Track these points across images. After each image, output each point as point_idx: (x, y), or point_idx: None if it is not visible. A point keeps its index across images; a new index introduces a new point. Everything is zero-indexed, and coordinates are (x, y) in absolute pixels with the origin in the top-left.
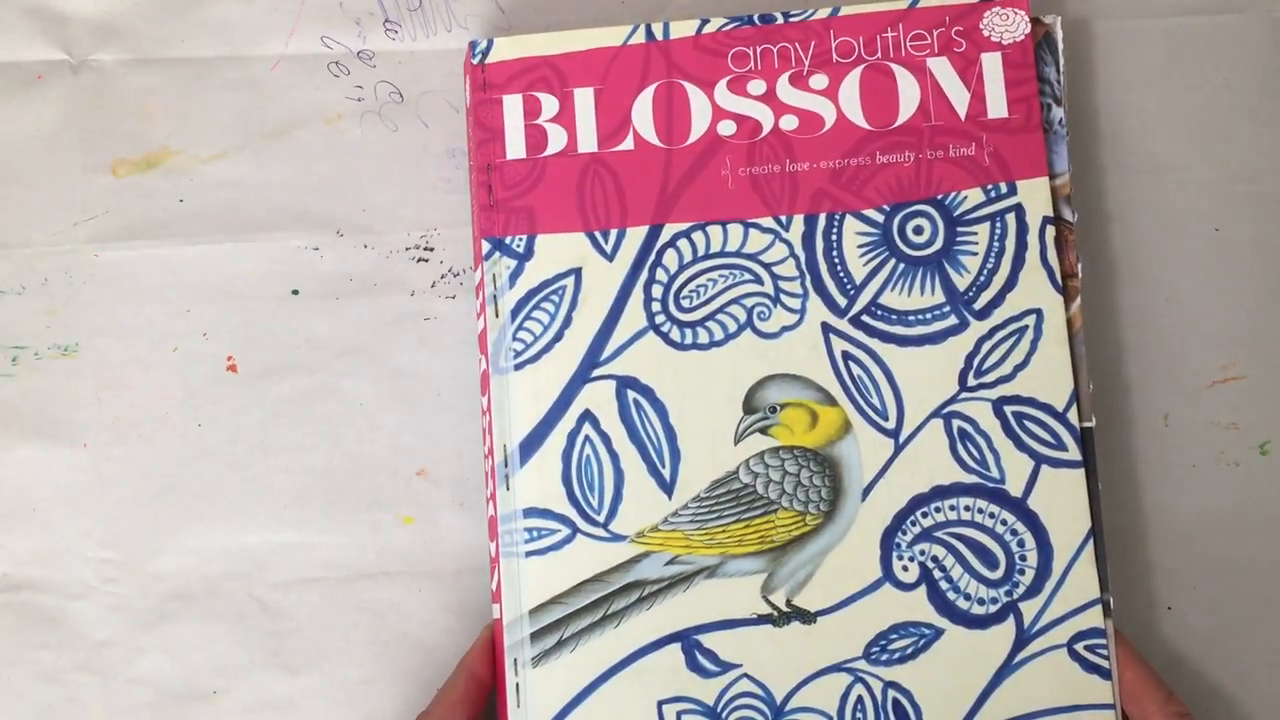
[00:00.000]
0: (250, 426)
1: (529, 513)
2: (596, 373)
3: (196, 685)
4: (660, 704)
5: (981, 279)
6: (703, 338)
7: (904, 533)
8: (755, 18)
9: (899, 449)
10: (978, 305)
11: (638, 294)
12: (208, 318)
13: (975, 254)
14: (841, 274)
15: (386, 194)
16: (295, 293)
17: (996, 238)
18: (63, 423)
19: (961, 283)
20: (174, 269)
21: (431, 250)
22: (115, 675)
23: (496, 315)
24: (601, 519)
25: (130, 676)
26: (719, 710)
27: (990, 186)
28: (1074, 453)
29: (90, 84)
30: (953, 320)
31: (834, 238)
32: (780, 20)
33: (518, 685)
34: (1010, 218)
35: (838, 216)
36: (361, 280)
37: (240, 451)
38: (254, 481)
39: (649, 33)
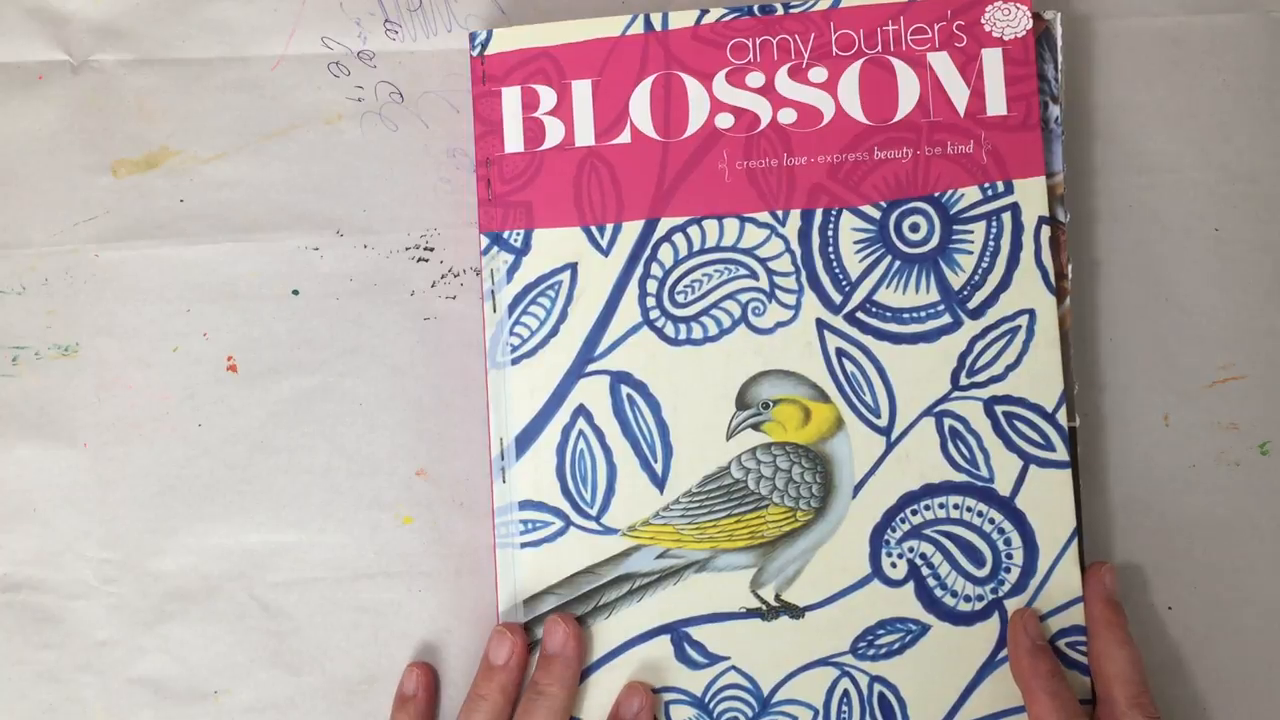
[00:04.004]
0: (250, 426)
1: (524, 505)
2: (591, 368)
3: (196, 685)
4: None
5: (976, 278)
6: (697, 333)
7: (893, 530)
8: (755, 8)
9: (890, 446)
10: (972, 304)
11: (633, 289)
12: (208, 318)
13: (971, 253)
14: (837, 270)
15: (386, 194)
16: (295, 293)
17: (992, 237)
18: (63, 423)
19: (956, 281)
20: (174, 269)
21: (431, 250)
22: (115, 675)
23: (494, 310)
24: (594, 512)
25: (130, 676)
26: (706, 701)
27: (987, 185)
28: (1062, 453)
29: (91, 84)
30: (947, 319)
31: (830, 233)
32: (780, 11)
33: None
34: (1006, 217)
35: (834, 212)
36: (361, 280)
37: (240, 451)
38: (254, 481)
39: (648, 23)
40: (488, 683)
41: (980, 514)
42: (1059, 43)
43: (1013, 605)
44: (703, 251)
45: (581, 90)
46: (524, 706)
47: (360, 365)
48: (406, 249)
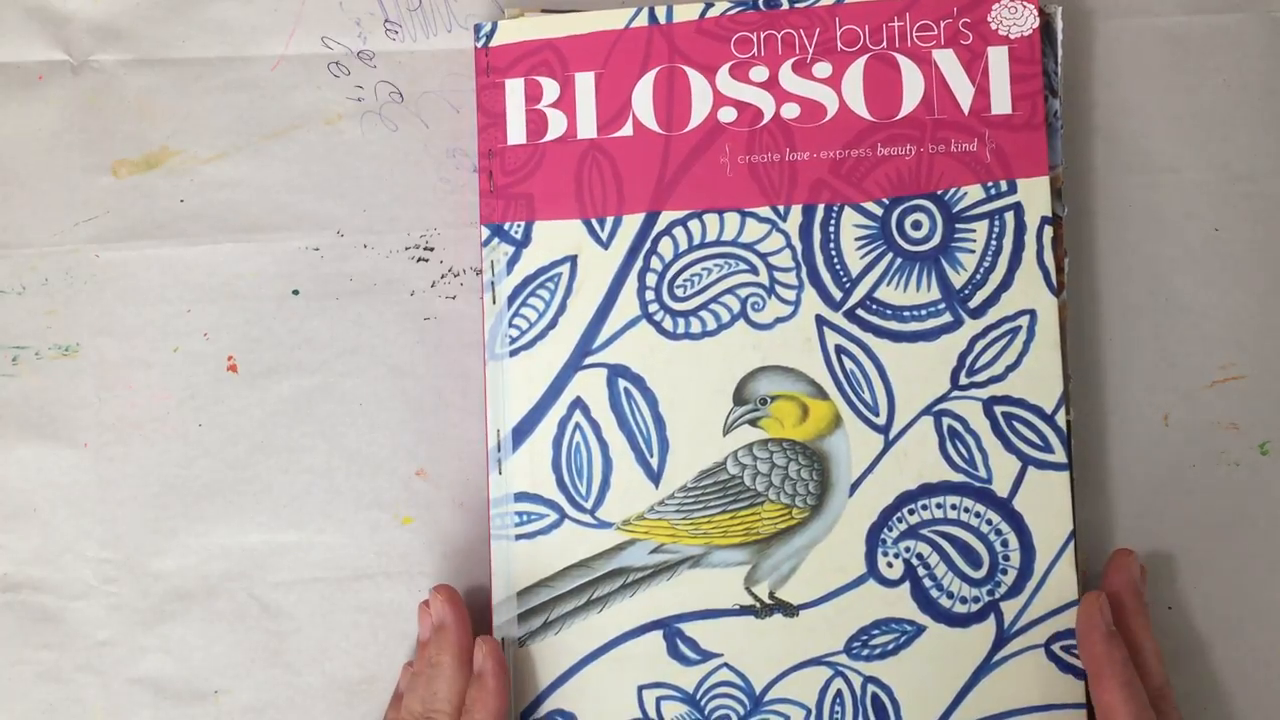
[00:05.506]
0: (250, 426)
1: (519, 497)
2: (589, 360)
3: (196, 685)
4: (640, 689)
5: (978, 277)
6: (695, 327)
7: (890, 529)
8: (760, 2)
9: (888, 445)
10: (973, 304)
11: (632, 282)
12: (208, 318)
13: (973, 251)
14: (838, 266)
15: (386, 194)
16: (295, 293)
17: (994, 236)
18: (63, 423)
19: (958, 280)
20: (174, 269)
21: (431, 250)
22: (116, 675)
23: (494, 301)
24: (589, 506)
25: (130, 676)
26: (698, 698)
27: (990, 184)
28: (1060, 455)
29: (91, 84)
30: (947, 318)
31: (831, 229)
32: (785, 5)
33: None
34: (1009, 216)
35: (836, 208)
36: (361, 280)
37: (240, 451)
38: (254, 481)
39: (651, 16)
40: (419, 660)
41: (978, 515)
42: (1060, 36)
43: (1009, 608)
44: (703, 245)
45: (584, 82)
46: (424, 683)
47: (360, 365)
48: (406, 249)
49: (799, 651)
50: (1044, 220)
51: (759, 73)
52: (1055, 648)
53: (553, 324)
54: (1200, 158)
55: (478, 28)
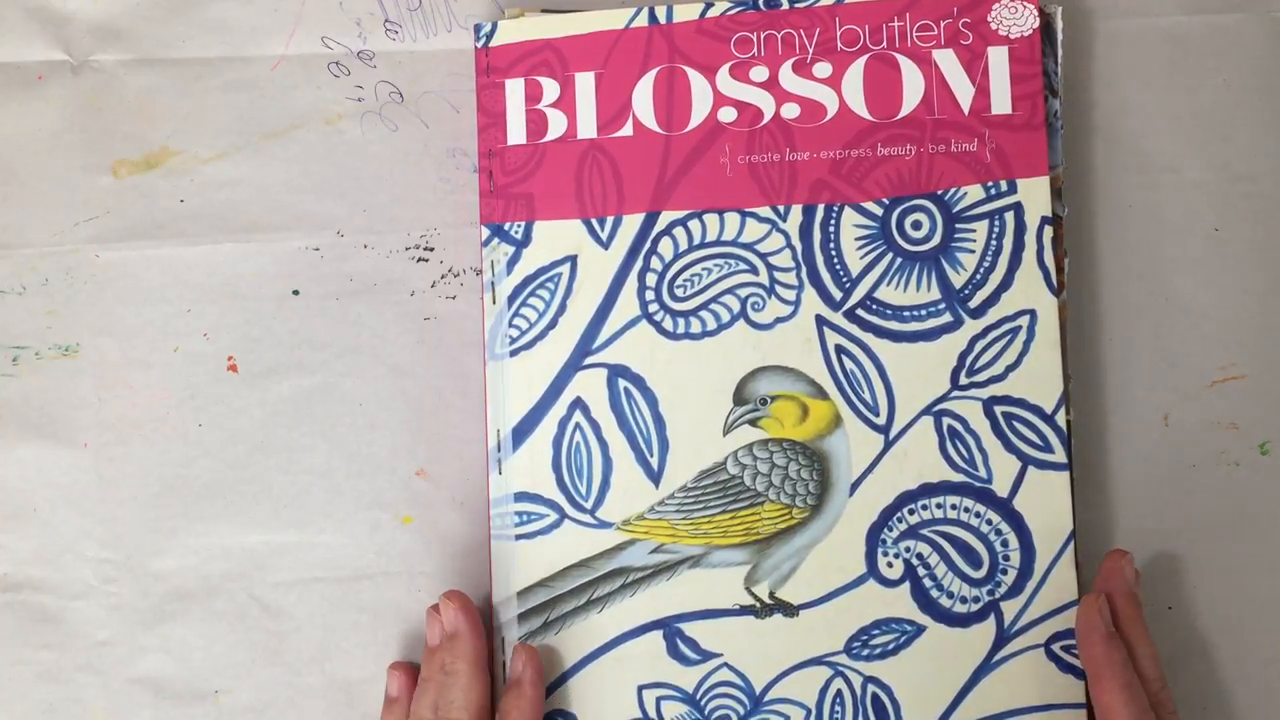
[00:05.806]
0: (250, 426)
1: (519, 497)
2: (589, 360)
3: (197, 685)
4: (640, 689)
5: (978, 277)
6: (695, 327)
7: (890, 529)
8: (760, 2)
9: (888, 445)
10: (973, 304)
11: (632, 282)
12: (208, 318)
13: (973, 252)
14: (838, 266)
15: (386, 194)
16: (295, 293)
17: (994, 236)
18: (63, 423)
19: (958, 280)
20: (175, 269)
21: (431, 250)
22: (116, 675)
23: (494, 301)
24: (589, 506)
25: (131, 676)
26: (698, 698)
27: (990, 184)
28: (1060, 455)
29: (91, 84)
30: (948, 318)
31: (832, 229)
32: (785, 6)
33: (504, 664)
34: (1009, 216)
35: (836, 208)
36: (361, 280)
37: (240, 451)
38: (254, 481)
39: (651, 16)
40: (428, 666)
41: (978, 515)
42: (1060, 36)
43: (1009, 607)
44: (703, 245)
45: (584, 83)
46: (437, 689)
47: (360, 365)
48: (406, 249)
49: (799, 651)
50: (1044, 220)
51: (759, 73)
52: (1055, 648)
53: (553, 324)
54: (1200, 158)
55: (478, 28)
